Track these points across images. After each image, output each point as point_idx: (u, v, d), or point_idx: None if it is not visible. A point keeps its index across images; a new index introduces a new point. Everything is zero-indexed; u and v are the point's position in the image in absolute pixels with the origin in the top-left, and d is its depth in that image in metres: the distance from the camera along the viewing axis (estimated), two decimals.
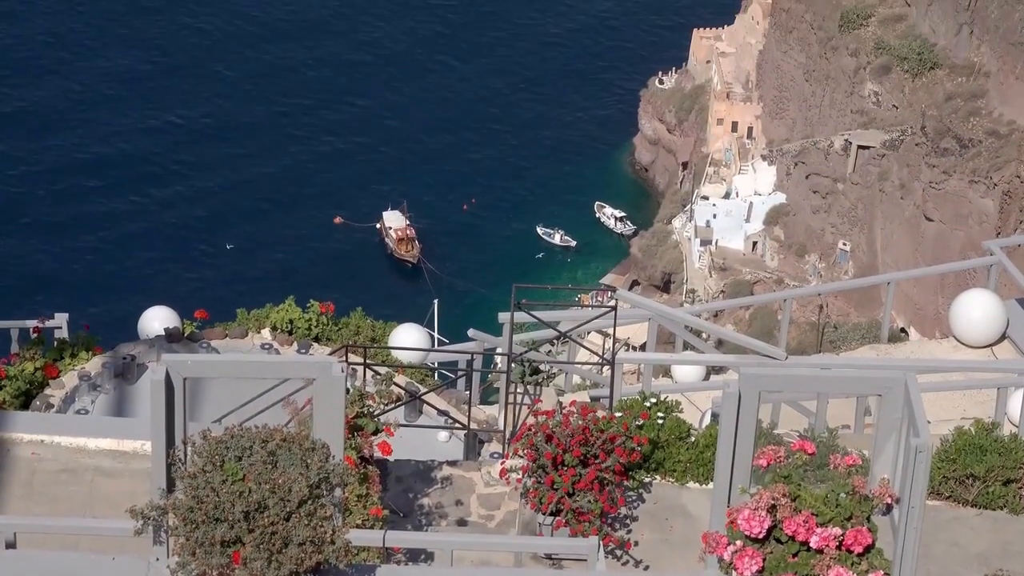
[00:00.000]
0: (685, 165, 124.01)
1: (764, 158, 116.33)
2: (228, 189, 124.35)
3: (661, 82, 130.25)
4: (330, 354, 18.20)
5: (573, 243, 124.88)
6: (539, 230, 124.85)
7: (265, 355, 18.55)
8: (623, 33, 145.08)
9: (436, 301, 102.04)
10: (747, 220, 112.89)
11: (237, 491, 9.99)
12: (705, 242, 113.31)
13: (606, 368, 18.72)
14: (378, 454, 14.02)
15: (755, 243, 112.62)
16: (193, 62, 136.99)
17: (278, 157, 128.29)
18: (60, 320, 20.33)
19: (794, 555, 11.51)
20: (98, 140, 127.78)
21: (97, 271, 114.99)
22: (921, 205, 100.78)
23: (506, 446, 15.80)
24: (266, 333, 19.78)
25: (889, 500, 12.32)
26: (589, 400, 18.76)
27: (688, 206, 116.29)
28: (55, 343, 19.26)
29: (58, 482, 14.76)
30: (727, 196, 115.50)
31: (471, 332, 23.02)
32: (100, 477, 14.70)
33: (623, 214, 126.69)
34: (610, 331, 18.79)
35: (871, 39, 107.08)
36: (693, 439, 15.68)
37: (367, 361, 17.42)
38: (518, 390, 16.38)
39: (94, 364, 18.35)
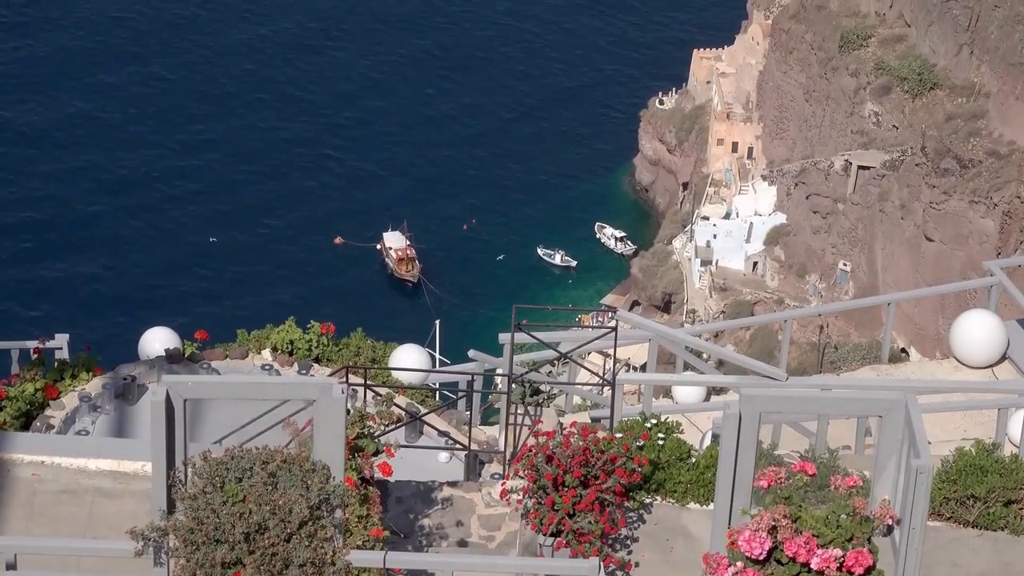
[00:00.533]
0: (685, 185, 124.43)
1: (764, 178, 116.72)
2: (229, 211, 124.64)
3: (661, 103, 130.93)
4: (330, 375, 18.08)
5: (574, 263, 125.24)
6: (539, 251, 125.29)
7: (266, 376, 18.61)
8: (623, 55, 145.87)
9: (438, 322, 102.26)
10: (747, 240, 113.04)
11: (237, 512, 9.99)
12: (705, 262, 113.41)
13: (607, 389, 18.36)
14: (379, 475, 14.04)
15: (755, 263, 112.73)
16: (193, 85, 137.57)
17: (279, 180, 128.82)
18: (61, 341, 20.32)
19: None
20: (101, 160, 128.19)
21: (98, 292, 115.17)
22: (921, 225, 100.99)
23: (507, 467, 15.75)
24: (267, 354, 19.80)
25: (890, 521, 12.28)
26: (590, 421, 18.77)
27: (688, 226, 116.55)
28: (55, 364, 19.26)
29: (59, 503, 14.74)
30: (727, 216, 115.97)
31: (471, 353, 23.04)
32: (101, 498, 14.71)
33: (623, 234, 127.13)
34: (611, 351, 18.80)
35: (871, 59, 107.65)
36: (694, 460, 15.60)
37: (367, 382, 17.33)
38: (518, 411, 16.26)
39: (94, 385, 18.38)
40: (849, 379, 25.13)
